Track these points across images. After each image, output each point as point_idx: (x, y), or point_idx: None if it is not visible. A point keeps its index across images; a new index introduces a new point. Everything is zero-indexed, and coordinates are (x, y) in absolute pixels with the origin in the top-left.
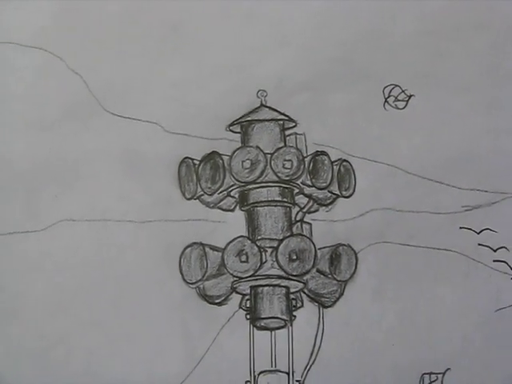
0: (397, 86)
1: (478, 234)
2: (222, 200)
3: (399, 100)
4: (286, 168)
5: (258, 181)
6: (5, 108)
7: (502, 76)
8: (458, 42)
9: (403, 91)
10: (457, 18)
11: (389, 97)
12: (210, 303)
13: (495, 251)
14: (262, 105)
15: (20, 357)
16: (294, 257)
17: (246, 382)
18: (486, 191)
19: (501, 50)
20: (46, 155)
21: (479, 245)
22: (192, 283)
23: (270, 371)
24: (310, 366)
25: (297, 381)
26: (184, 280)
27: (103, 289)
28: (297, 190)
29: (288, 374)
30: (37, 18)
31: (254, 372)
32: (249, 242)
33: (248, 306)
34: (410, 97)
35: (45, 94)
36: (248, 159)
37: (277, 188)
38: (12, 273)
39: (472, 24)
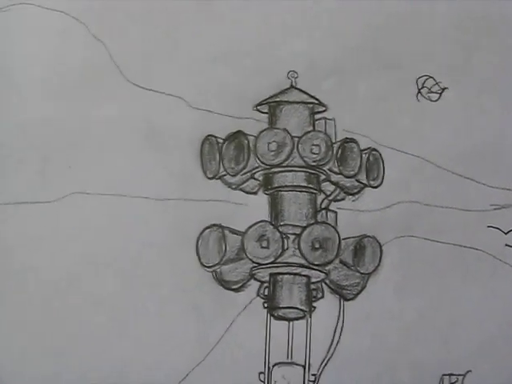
0: (431, 77)
1: (506, 234)
2: (244, 182)
3: (432, 92)
4: (314, 153)
5: (284, 164)
6: (22, 71)
7: None
8: (495, 37)
9: (437, 83)
10: (492, 12)
11: (422, 88)
12: (227, 289)
13: None
14: (291, 86)
15: (23, 336)
16: (317, 245)
17: (260, 373)
18: None
19: None
20: (62, 123)
21: (506, 245)
22: (208, 267)
23: (286, 363)
24: (328, 360)
25: (312, 375)
26: (200, 263)
27: (113, 267)
28: (323, 177)
29: (304, 367)
30: None
31: (268, 363)
32: (271, 227)
33: (266, 294)
34: (443, 89)
35: (65, 59)
36: (274, 141)
37: (303, 173)
38: (20, 244)
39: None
